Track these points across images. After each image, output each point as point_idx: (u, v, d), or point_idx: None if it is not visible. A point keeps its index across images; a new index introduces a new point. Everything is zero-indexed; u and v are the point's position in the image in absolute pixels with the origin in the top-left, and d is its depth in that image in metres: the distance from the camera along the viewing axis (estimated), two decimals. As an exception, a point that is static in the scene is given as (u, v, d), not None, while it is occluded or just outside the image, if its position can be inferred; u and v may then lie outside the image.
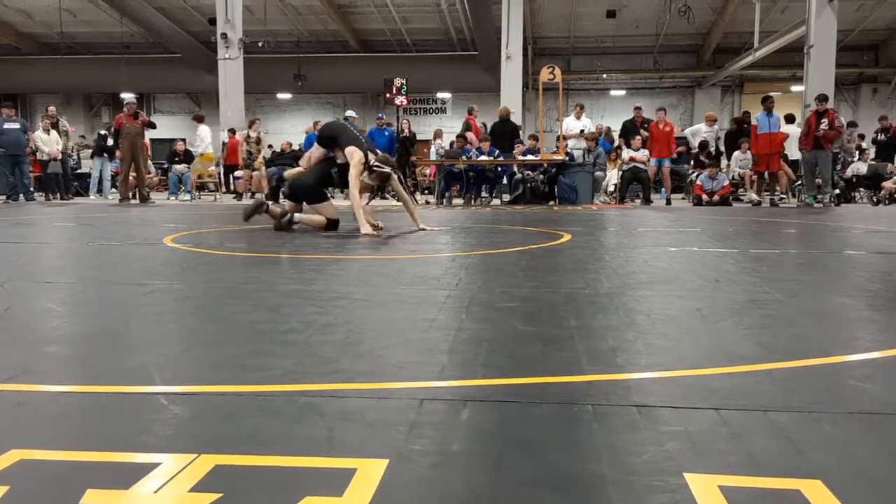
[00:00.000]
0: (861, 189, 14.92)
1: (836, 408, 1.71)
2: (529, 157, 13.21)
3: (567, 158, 13.38)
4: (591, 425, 1.59)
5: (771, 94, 14.15)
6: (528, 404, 1.73)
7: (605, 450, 1.46)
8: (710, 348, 2.34)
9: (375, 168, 6.71)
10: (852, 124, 16.71)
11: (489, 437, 1.56)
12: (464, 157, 13.38)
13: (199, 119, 16.64)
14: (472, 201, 13.53)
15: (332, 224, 6.76)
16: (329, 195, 7.13)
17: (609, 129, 16.60)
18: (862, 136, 16.72)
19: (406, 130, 14.89)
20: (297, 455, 1.43)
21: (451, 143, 15.33)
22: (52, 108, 15.30)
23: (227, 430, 1.57)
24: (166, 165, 16.71)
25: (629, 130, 14.27)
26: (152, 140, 17.10)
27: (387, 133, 15.50)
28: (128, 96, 15.36)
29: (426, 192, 15.27)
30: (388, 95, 16.25)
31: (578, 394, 1.82)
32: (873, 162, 14.69)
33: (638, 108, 14.98)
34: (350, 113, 16.24)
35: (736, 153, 14.20)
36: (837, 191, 13.15)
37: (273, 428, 1.58)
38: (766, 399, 1.78)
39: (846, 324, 2.84)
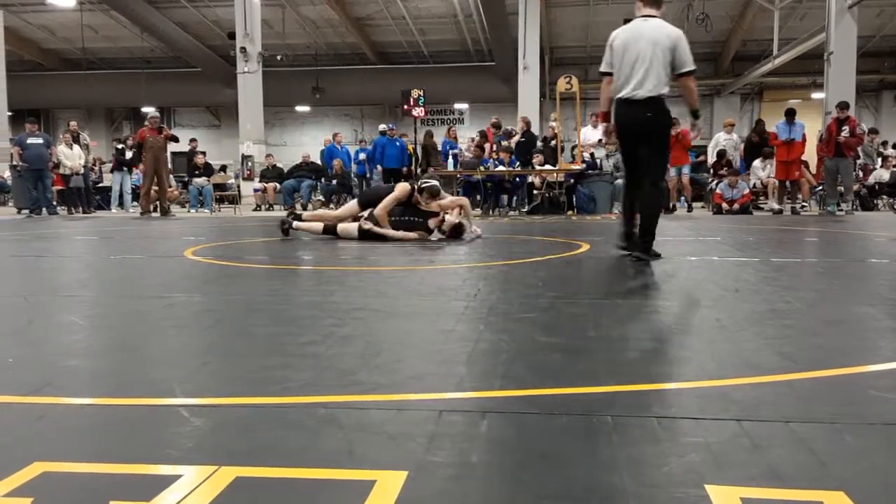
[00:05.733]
0: (883, 196, 14.77)
1: (858, 419, 1.70)
2: (548, 167, 13.18)
3: (584, 167, 13.35)
4: (612, 437, 1.59)
5: (791, 101, 14.04)
6: (548, 416, 1.73)
7: (626, 462, 1.45)
8: (730, 359, 2.32)
9: (424, 187, 6.84)
10: (874, 131, 16.55)
11: (508, 448, 1.55)
12: (482, 168, 13.39)
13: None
14: (490, 212, 13.53)
15: (328, 230, 6.94)
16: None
17: None
18: (885, 143, 16.56)
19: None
20: (317, 467, 1.43)
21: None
22: (73, 123, 15.48)
23: (248, 443, 1.58)
24: (186, 179, 16.86)
25: None
26: (172, 153, 17.25)
27: (398, 144, 15.55)
28: (150, 110, 15.52)
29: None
30: (405, 107, 16.32)
31: (598, 405, 1.81)
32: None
33: None
34: (382, 127, 16.39)
35: (756, 162, 14.10)
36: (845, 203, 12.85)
37: (293, 440, 1.59)
38: (788, 410, 1.76)
39: (868, 333, 2.81)
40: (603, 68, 5.20)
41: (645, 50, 4.94)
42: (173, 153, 18.76)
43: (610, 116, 5.29)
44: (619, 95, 5.06)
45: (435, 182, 6.98)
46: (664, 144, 5.12)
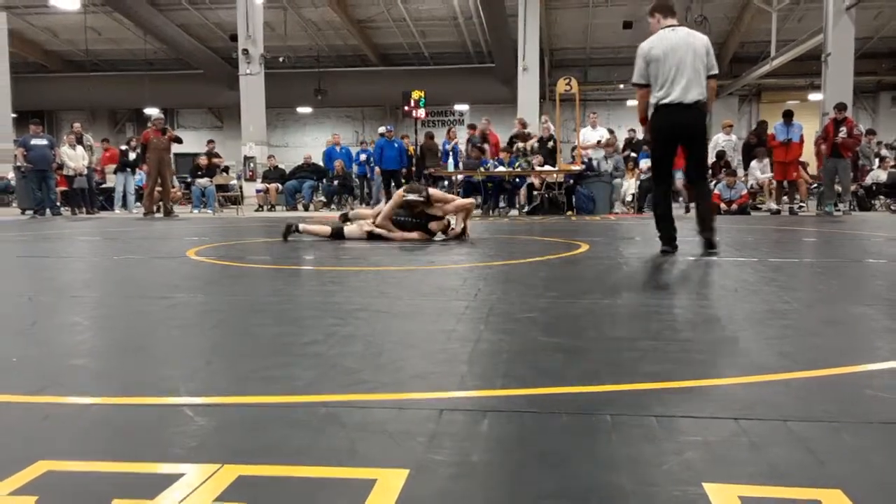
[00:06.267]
0: (880, 197, 14.77)
1: (855, 417, 1.71)
2: (547, 167, 13.20)
3: (584, 168, 13.37)
4: (611, 436, 1.60)
5: (789, 102, 14.06)
6: (548, 415, 1.74)
7: (625, 460, 1.46)
8: (729, 358, 2.34)
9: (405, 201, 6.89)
10: (871, 132, 16.55)
11: (509, 447, 1.57)
12: (482, 168, 13.41)
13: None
14: (490, 212, 13.54)
15: (336, 233, 7.05)
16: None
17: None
18: (880, 143, 16.57)
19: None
20: (319, 465, 1.45)
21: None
22: (76, 125, 15.53)
23: (251, 441, 1.59)
24: (189, 179, 16.87)
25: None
26: (175, 154, 17.28)
27: (396, 145, 15.58)
28: (154, 111, 15.57)
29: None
30: (406, 108, 16.36)
31: (598, 404, 1.83)
32: (894, 170, 14.56)
33: None
34: (381, 129, 16.47)
35: (753, 162, 14.12)
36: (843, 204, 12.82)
37: (295, 439, 1.60)
38: (786, 409, 1.77)
39: (866, 333, 2.82)
40: (637, 80, 5.46)
41: (685, 57, 5.26)
42: (176, 154, 18.79)
43: (647, 122, 5.63)
44: (665, 101, 5.31)
45: (413, 196, 6.89)
46: (706, 144, 5.67)
